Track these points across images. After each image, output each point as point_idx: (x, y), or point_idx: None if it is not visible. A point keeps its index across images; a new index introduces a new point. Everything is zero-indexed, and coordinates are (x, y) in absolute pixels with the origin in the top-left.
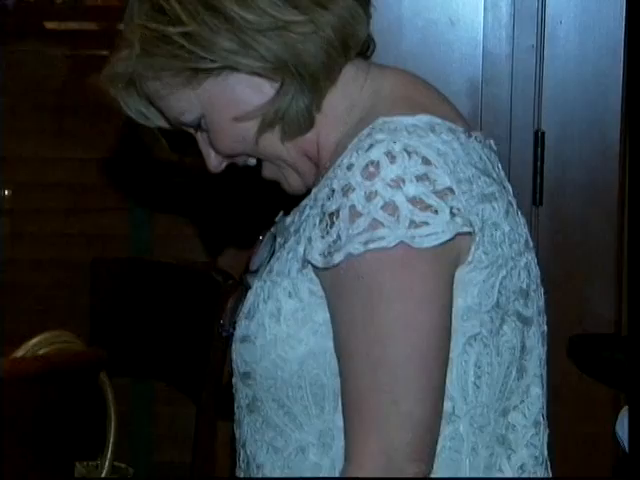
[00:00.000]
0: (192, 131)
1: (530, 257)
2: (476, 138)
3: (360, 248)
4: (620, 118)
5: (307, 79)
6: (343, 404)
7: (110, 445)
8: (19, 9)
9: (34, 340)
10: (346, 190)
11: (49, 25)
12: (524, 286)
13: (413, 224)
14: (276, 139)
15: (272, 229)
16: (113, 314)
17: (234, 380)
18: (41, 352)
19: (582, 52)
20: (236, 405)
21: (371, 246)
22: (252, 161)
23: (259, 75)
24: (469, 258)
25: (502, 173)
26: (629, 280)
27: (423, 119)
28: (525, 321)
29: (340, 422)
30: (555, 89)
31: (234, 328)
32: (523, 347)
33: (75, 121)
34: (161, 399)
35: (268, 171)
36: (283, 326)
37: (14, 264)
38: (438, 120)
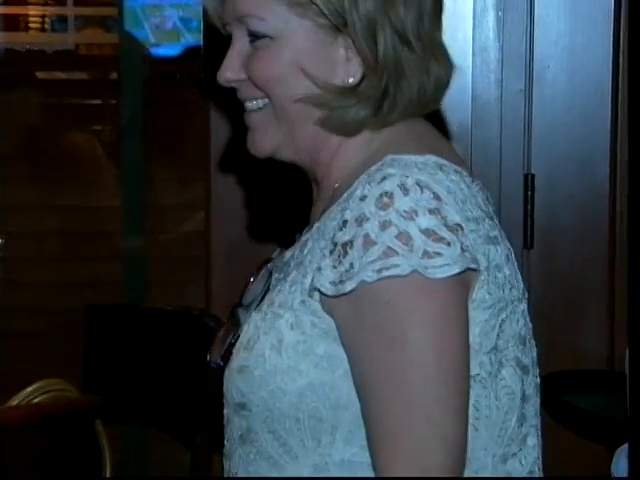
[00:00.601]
0: (236, 34)
1: (525, 307)
2: (477, 185)
3: (373, 276)
4: (609, 158)
5: (387, 101)
6: (371, 434)
7: None
8: (10, 59)
9: (29, 389)
10: (360, 220)
11: (40, 75)
12: (522, 333)
13: (427, 254)
14: (311, 116)
15: (269, 265)
16: (106, 361)
17: (226, 411)
18: (36, 400)
19: (570, 94)
20: (226, 437)
21: (385, 273)
22: (257, 104)
23: (353, 58)
24: (473, 296)
25: (499, 226)
26: (629, 315)
27: (431, 159)
28: (524, 369)
29: (337, 456)
30: (544, 131)
31: (223, 360)
32: (524, 395)
33: (67, 169)
34: (154, 444)
35: (260, 119)
36: (284, 357)
37: (8, 312)
38: (445, 162)
